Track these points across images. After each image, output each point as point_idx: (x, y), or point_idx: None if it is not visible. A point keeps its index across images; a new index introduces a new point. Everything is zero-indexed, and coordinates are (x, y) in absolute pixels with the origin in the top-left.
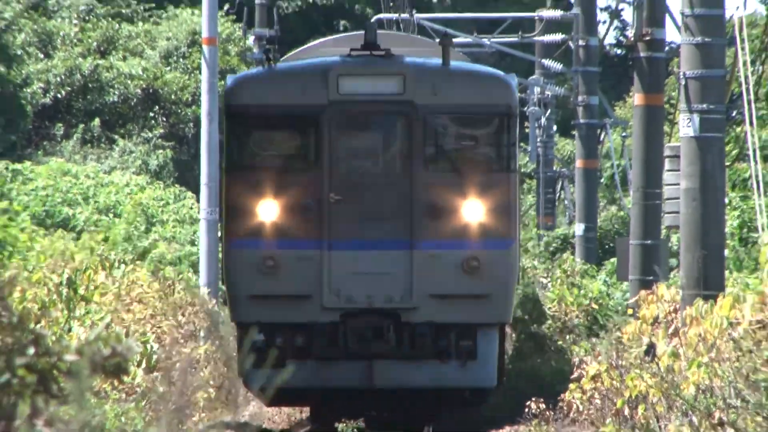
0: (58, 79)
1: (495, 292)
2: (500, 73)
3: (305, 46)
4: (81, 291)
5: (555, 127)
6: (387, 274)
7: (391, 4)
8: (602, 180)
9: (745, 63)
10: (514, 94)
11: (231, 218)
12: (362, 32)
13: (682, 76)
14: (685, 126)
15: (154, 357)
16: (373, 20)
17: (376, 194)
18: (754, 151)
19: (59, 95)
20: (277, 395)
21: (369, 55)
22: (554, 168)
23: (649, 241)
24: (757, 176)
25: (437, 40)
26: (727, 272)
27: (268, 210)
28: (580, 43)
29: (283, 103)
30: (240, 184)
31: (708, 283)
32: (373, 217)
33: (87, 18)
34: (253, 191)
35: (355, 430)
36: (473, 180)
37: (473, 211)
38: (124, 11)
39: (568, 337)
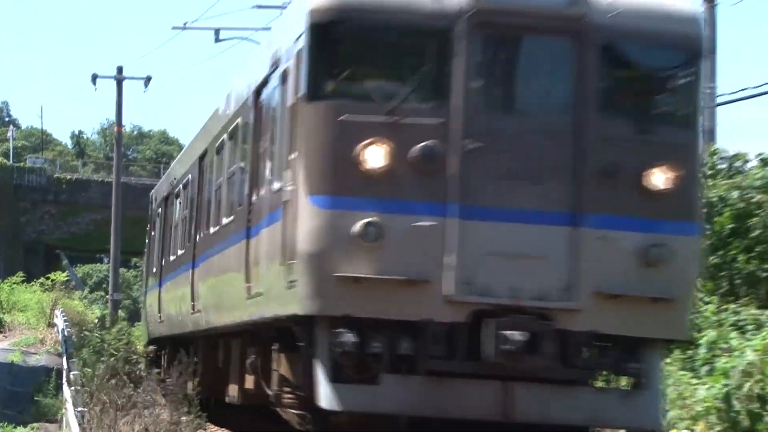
0: None
1: (681, 296)
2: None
3: None
4: None
5: None
6: (540, 259)
7: None
8: None
9: None
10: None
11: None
12: None
13: None
14: None
15: None
16: None
17: (529, 144)
18: None
19: None
20: (356, 421)
21: None
22: None
23: None
24: None
25: None
26: None
27: (373, 157)
28: None
29: (396, 10)
30: (330, 124)
31: None
32: (522, 177)
33: None
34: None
35: None
36: (663, 138)
37: (662, 180)
38: None
39: None
